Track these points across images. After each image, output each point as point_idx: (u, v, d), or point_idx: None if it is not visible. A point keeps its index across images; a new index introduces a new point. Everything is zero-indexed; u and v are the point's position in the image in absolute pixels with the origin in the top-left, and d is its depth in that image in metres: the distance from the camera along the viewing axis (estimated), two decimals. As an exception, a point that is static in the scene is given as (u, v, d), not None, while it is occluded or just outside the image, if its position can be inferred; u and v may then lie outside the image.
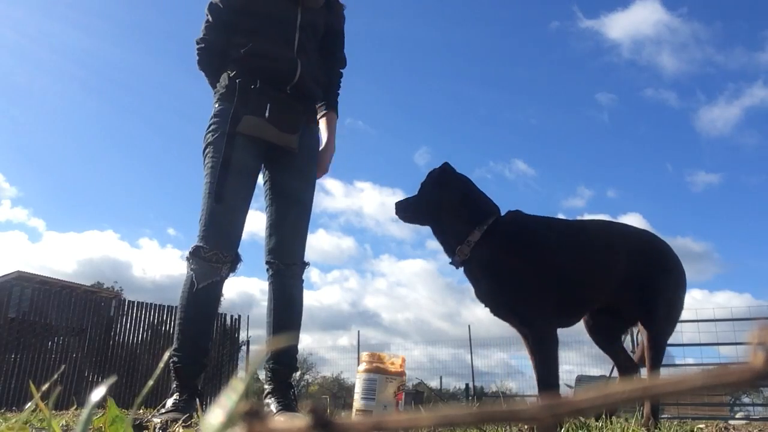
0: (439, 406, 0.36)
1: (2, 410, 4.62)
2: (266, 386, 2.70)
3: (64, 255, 44.29)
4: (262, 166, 2.73)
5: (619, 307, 2.38)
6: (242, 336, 13.46)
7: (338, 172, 48.96)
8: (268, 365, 2.68)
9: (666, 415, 9.54)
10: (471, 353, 14.57)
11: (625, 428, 1.90)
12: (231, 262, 2.52)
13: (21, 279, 12.85)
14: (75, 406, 2.61)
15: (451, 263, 2.38)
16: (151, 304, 12.03)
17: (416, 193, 2.54)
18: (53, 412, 0.82)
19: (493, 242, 2.26)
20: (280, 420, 0.36)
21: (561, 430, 1.78)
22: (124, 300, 12.52)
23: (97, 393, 0.62)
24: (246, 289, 42.25)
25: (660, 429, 2.19)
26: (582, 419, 2.01)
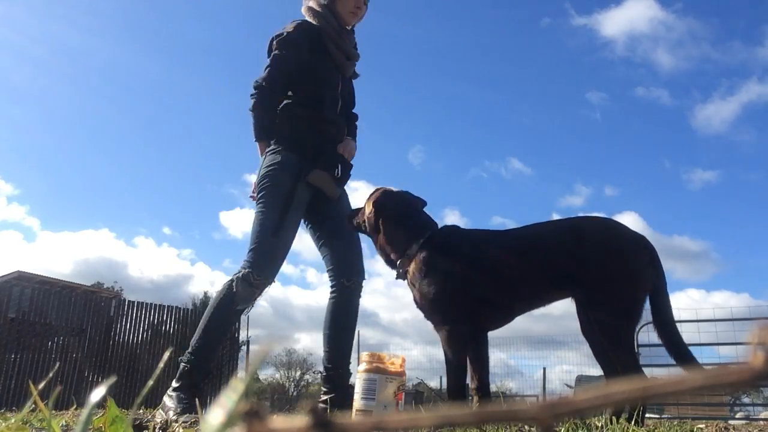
0: (439, 406, 0.36)
1: (2, 410, 4.62)
2: (324, 388, 2.96)
3: (59, 255, 44.33)
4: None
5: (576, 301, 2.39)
6: (242, 336, 13.48)
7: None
8: (326, 370, 2.96)
9: (666, 415, 9.53)
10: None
11: (625, 428, 1.90)
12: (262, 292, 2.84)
13: (21, 279, 12.84)
14: (75, 406, 2.61)
15: (397, 277, 2.60)
16: (150, 304, 12.03)
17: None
18: (53, 412, 0.82)
19: (421, 255, 2.47)
20: (280, 420, 0.36)
21: (561, 430, 1.78)
22: (124, 300, 12.53)
23: (97, 393, 0.62)
24: (245, 289, 42.18)
25: (660, 429, 2.20)
26: (582, 419, 2.01)
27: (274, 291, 44.31)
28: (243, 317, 13.44)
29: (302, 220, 3.01)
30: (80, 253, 46.82)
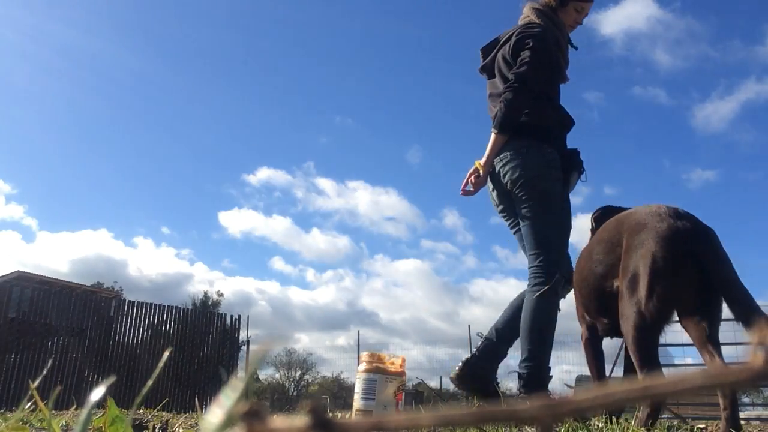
0: (439, 406, 0.36)
1: (2, 410, 4.62)
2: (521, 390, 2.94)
3: (58, 255, 44.31)
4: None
5: None
6: (242, 336, 13.48)
7: (330, 171, 48.85)
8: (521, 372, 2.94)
9: (666, 415, 9.53)
10: (471, 353, 14.54)
11: (625, 428, 1.90)
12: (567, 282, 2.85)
13: (21, 279, 12.85)
14: (75, 406, 2.61)
15: None
16: (151, 304, 12.04)
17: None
18: (53, 412, 0.82)
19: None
20: (280, 420, 0.36)
21: (561, 430, 1.78)
22: (124, 300, 12.53)
23: (97, 393, 0.62)
24: (242, 289, 42.31)
25: (660, 429, 2.19)
26: (582, 420, 2.01)
27: (273, 291, 44.43)
28: (243, 318, 13.45)
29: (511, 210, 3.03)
30: (79, 253, 46.81)
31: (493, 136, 2.93)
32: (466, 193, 3.01)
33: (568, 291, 2.84)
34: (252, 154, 53.68)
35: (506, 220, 3.07)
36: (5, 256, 38.40)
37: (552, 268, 2.79)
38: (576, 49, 3.25)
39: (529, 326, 2.82)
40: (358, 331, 16.12)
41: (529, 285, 2.85)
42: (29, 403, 0.86)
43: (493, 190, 3.04)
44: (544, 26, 3.06)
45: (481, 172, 2.95)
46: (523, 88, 2.88)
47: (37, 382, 0.83)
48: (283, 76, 53.81)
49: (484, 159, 2.95)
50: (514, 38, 3.02)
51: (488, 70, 3.22)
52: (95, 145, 50.73)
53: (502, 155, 2.91)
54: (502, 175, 2.92)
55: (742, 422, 2.06)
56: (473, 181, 2.98)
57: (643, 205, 2.28)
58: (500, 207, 3.06)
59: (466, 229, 44.18)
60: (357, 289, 42.60)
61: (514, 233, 3.04)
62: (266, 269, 47.01)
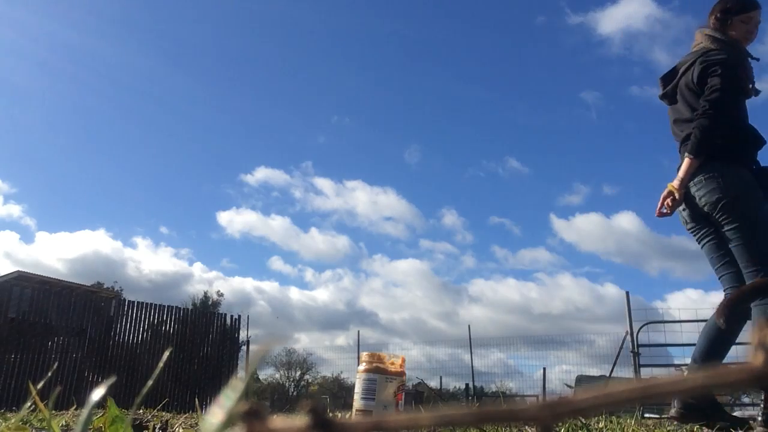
0: (439, 406, 0.36)
1: (2, 410, 4.62)
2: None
3: (57, 255, 44.36)
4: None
5: None
6: (242, 336, 13.48)
7: (328, 170, 48.82)
8: None
9: (666, 415, 9.52)
10: (471, 353, 14.56)
11: (625, 428, 1.90)
12: None
13: (21, 279, 12.86)
14: (75, 406, 2.61)
15: None
16: (151, 304, 12.03)
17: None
18: (53, 412, 0.82)
19: None
20: (280, 420, 0.36)
21: (561, 430, 1.78)
22: (124, 300, 12.53)
23: (97, 393, 0.62)
24: (242, 288, 42.31)
25: (660, 429, 2.19)
26: (582, 419, 2.01)
27: (272, 291, 44.43)
28: (243, 317, 13.46)
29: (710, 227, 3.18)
30: (78, 253, 46.85)
31: (687, 160, 3.10)
32: (662, 215, 3.21)
33: None
34: (250, 153, 53.74)
35: (694, 235, 3.26)
36: (4, 257, 38.43)
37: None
38: (758, 60, 3.37)
39: None
40: (358, 331, 16.08)
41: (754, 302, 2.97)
42: (30, 404, 0.86)
43: (684, 210, 3.23)
44: (724, 50, 3.18)
45: (676, 195, 3.13)
46: (717, 115, 3.05)
47: (40, 385, 0.83)
48: (281, 75, 53.81)
49: (677, 182, 3.12)
50: (697, 66, 3.18)
51: (669, 97, 3.42)
52: (94, 144, 50.75)
53: (696, 179, 3.10)
54: (698, 198, 3.10)
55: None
56: (669, 204, 3.16)
57: None
58: (690, 225, 3.25)
59: (465, 229, 44.23)
60: (356, 289, 42.64)
61: (702, 247, 3.23)
62: (265, 269, 47.08)
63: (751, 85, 3.28)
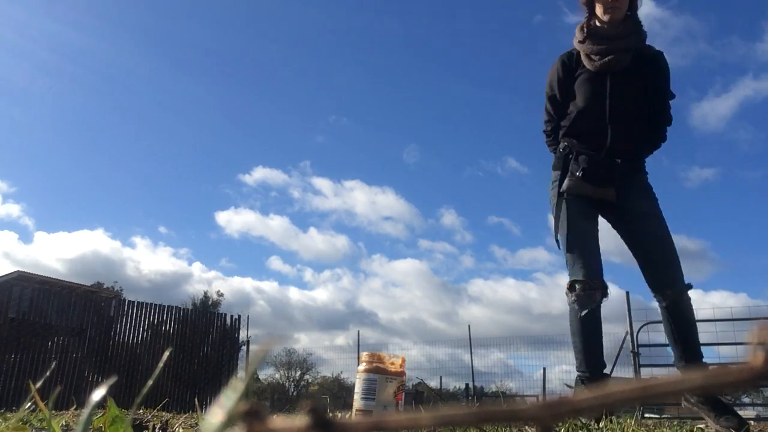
0: (439, 406, 0.36)
1: (2, 410, 4.62)
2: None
3: (55, 255, 44.37)
4: (602, 216, 3.17)
5: None
6: (242, 336, 13.47)
7: (326, 170, 48.81)
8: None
9: (666, 415, 9.53)
10: (471, 353, 14.56)
11: (625, 428, 1.90)
12: (602, 287, 2.93)
13: (21, 279, 12.85)
14: (75, 406, 2.61)
15: None
16: (151, 304, 12.03)
17: None
18: (53, 412, 0.82)
19: None
20: (280, 420, 0.36)
21: (561, 430, 1.78)
22: (124, 300, 12.52)
23: (97, 393, 0.62)
24: (242, 288, 42.30)
25: (659, 429, 2.19)
26: (582, 420, 2.01)
27: (271, 291, 44.41)
28: (243, 318, 13.46)
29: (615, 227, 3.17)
30: (77, 253, 46.89)
31: None
32: None
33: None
34: (248, 153, 53.79)
35: None
36: (3, 257, 38.47)
37: (570, 277, 3.00)
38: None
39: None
40: (358, 331, 16.07)
41: None
42: (29, 403, 0.86)
43: None
44: None
45: None
46: (547, 129, 3.27)
47: (39, 384, 0.83)
48: (280, 75, 53.84)
49: None
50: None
51: None
52: (92, 144, 50.76)
53: None
54: None
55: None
56: None
57: None
58: None
59: (464, 229, 44.24)
60: (355, 289, 42.66)
61: None
62: (264, 269, 47.12)
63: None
